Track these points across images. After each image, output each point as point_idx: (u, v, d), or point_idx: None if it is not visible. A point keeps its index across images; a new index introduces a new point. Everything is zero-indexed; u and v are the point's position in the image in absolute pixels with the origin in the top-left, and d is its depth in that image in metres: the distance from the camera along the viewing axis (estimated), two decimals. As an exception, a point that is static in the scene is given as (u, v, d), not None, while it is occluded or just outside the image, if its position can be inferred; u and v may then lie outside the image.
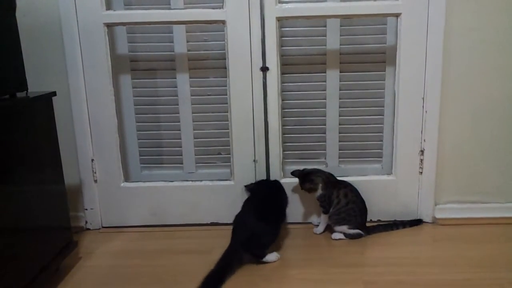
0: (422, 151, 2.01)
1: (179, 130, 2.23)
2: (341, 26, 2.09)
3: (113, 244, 1.97)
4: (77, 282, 1.68)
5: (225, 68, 1.98)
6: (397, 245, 1.87)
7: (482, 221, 2.04)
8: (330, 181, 1.95)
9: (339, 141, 2.21)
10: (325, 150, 2.21)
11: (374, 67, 2.12)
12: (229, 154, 2.08)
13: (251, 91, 1.97)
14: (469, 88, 1.95)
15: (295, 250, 1.86)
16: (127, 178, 2.19)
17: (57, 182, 1.68)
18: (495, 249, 1.81)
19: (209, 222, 2.11)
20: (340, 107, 2.17)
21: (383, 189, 2.06)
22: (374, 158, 2.22)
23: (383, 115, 2.16)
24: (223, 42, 1.97)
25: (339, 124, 2.19)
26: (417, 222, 2.04)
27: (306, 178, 1.93)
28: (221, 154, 2.24)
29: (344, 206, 1.90)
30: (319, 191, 1.93)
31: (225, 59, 1.97)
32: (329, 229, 1.98)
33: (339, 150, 2.22)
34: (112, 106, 2.00)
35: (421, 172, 2.03)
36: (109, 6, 1.98)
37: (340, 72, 2.14)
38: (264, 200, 1.86)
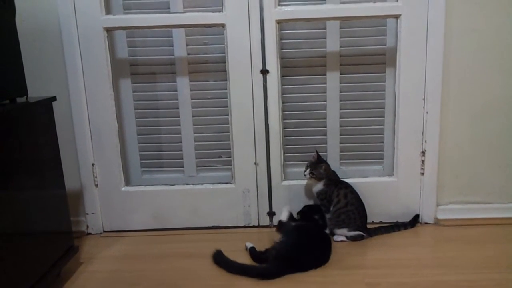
0: (423, 152, 2.01)
1: (180, 133, 2.22)
2: (340, 28, 2.09)
3: (115, 249, 1.96)
4: (78, 287, 1.67)
5: (225, 71, 1.98)
6: (399, 247, 1.86)
7: (484, 222, 2.03)
8: (333, 179, 1.96)
9: (340, 143, 2.20)
10: (326, 152, 2.21)
11: (374, 69, 2.12)
12: (230, 157, 2.08)
13: (251, 94, 1.97)
14: (470, 88, 1.95)
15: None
16: (128, 182, 2.19)
17: (57, 186, 1.68)
18: (497, 250, 1.81)
19: (210, 226, 2.11)
20: (340, 109, 2.17)
21: (384, 190, 2.06)
22: (375, 159, 2.21)
23: (383, 117, 2.16)
24: (223, 45, 1.97)
25: (340, 126, 2.19)
26: (415, 219, 2.04)
27: (322, 164, 1.94)
28: (222, 157, 2.24)
29: (343, 207, 1.90)
30: (320, 186, 1.94)
31: (225, 62, 1.97)
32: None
33: (340, 152, 2.21)
34: (112, 110, 2.00)
35: (423, 173, 2.03)
36: (108, 11, 1.99)
37: (340, 74, 2.13)
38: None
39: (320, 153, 1.99)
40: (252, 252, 1.79)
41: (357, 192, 1.95)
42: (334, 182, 1.95)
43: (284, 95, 2.13)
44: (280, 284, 1.62)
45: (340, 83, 2.14)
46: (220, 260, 1.76)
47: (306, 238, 1.80)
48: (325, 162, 1.97)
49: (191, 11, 2.07)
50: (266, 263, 1.71)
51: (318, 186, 1.96)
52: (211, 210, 2.09)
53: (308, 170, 1.95)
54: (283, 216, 1.93)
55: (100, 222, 2.11)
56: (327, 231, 1.95)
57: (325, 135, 2.20)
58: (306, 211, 2.01)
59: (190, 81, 2.17)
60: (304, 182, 2.06)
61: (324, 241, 1.82)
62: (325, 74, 2.14)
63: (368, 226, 1.97)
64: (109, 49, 1.96)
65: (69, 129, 2.00)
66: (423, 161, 2.02)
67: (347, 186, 1.95)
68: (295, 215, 2.00)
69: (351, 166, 2.22)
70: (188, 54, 2.14)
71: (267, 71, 1.95)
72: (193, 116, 2.20)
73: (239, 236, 2.01)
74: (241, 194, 2.07)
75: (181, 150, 2.24)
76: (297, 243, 1.76)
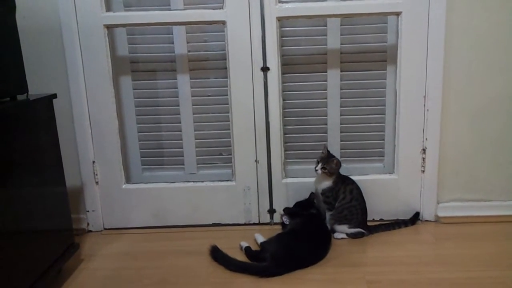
0: (424, 150, 2.01)
1: (180, 131, 2.22)
2: (341, 25, 2.08)
3: (115, 246, 1.96)
4: (79, 284, 1.67)
5: (226, 68, 1.97)
6: (400, 244, 1.86)
7: (485, 219, 2.03)
8: (340, 176, 1.95)
9: (341, 141, 2.20)
10: (326, 149, 2.21)
11: (375, 66, 2.12)
12: (231, 154, 2.08)
13: (252, 91, 1.97)
14: (471, 86, 1.94)
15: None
16: (128, 180, 2.19)
17: (58, 184, 1.68)
18: (498, 247, 1.81)
19: (210, 223, 2.11)
20: (341, 107, 2.17)
21: (385, 188, 2.06)
22: (376, 157, 2.21)
23: (384, 114, 2.16)
24: (224, 42, 1.96)
25: (341, 124, 2.19)
26: (415, 216, 2.04)
27: (334, 158, 1.92)
28: (222, 155, 2.24)
29: (348, 203, 1.90)
30: (329, 183, 1.92)
31: (225, 59, 1.97)
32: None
33: (341, 149, 2.21)
34: (113, 108, 2.00)
35: (423, 171, 2.03)
36: (108, 8, 1.98)
37: (341, 71, 2.13)
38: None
39: (320, 151, 1.99)
40: (248, 251, 1.79)
41: (360, 188, 1.95)
42: (341, 178, 1.94)
43: (285, 93, 2.12)
44: (280, 282, 1.62)
45: (341, 80, 2.14)
46: (218, 256, 1.77)
47: (304, 235, 1.81)
48: (335, 157, 1.95)
49: (192, 8, 2.06)
50: (263, 262, 1.71)
51: (326, 183, 1.93)
52: (211, 207, 2.09)
53: (319, 165, 1.91)
54: (258, 239, 1.91)
55: (101, 219, 2.11)
56: (328, 225, 1.95)
57: (326, 132, 2.20)
58: (300, 207, 2.00)
59: (190, 79, 2.16)
60: (304, 179, 2.06)
61: (322, 235, 1.83)
62: (326, 72, 2.13)
63: (369, 223, 1.97)
64: (110, 47, 1.96)
65: (69, 126, 2.00)
66: (423, 158, 2.02)
67: (353, 182, 1.95)
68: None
69: (352, 163, 2.22)
70: (189, 51, 2.14)
71: (268, 69, 1.94)
72: (193, 114, 2.20)
73: (240, 234, 2.01)
74: (242, 192, 2.07)
75: (182, 148, 2.24)
76: (295, 242, 1.77)
